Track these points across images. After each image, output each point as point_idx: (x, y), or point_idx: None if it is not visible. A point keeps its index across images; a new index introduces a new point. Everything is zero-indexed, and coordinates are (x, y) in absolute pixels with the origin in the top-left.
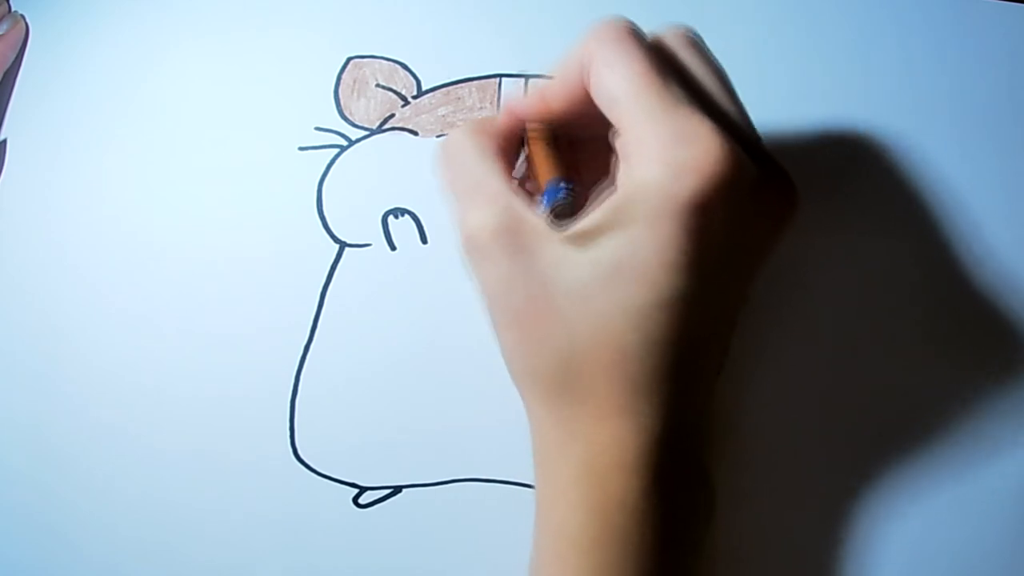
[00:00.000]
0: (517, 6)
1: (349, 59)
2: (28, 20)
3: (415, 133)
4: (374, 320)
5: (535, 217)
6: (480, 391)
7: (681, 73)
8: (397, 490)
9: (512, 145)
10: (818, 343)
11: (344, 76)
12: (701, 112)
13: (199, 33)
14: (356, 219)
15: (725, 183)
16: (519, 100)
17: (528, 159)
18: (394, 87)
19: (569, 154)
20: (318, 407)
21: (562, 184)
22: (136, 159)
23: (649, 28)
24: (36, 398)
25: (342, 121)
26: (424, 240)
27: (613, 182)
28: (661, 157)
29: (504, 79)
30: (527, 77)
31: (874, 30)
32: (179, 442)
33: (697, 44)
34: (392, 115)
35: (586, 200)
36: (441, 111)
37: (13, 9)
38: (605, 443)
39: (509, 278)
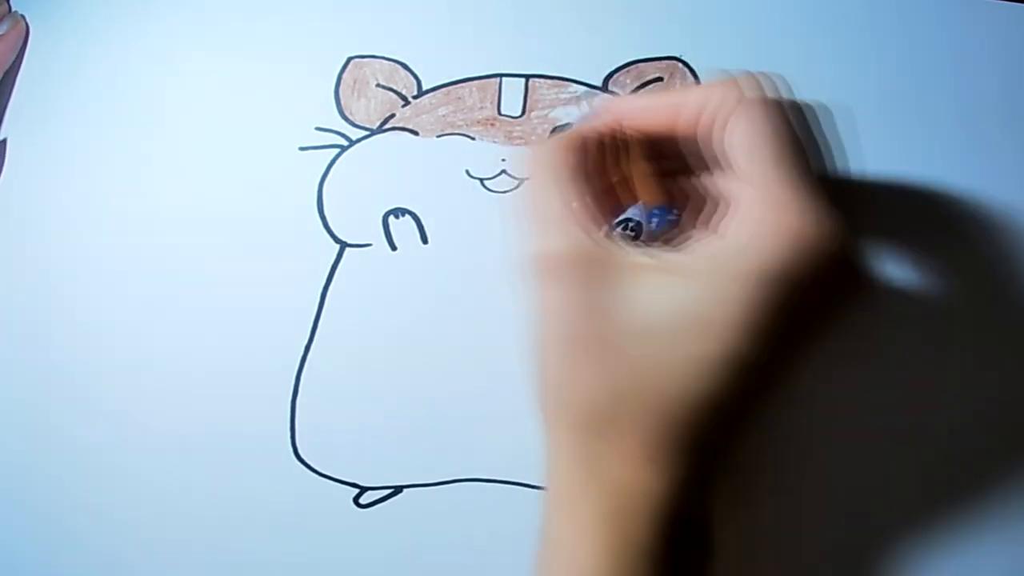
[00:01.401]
0: (517, 6)
1: (349, 59)
2: (28, 20)
3: (415, 133)
4: (374, 320)
5: (617, 251)
6: (480, 391)
7: (802, 147)
8: (397, 490)
9: (598, 154)
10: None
11: (344, 76)
12: (816, 191)
13: (199, 33)
14: (356, 219)
15: (824, 269)
16: (629, 109)
17: (625, 175)
18: (394, 87)
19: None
20: (318, 407)
21: (672, 211)
22: (136, 159)
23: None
24: (36, 399)
25: (342, 121)
26: (424, 240)
27: (713, 228)
28: (770, 222)
29: (504, 79)
30: (527, 77)
31: (874, 30)
32: (179, 442)
33: (811, 118)
34: (392, 115)
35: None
36: (441, 111)
37: (13, 9)
38: (630, 488)
39: (575, 305)
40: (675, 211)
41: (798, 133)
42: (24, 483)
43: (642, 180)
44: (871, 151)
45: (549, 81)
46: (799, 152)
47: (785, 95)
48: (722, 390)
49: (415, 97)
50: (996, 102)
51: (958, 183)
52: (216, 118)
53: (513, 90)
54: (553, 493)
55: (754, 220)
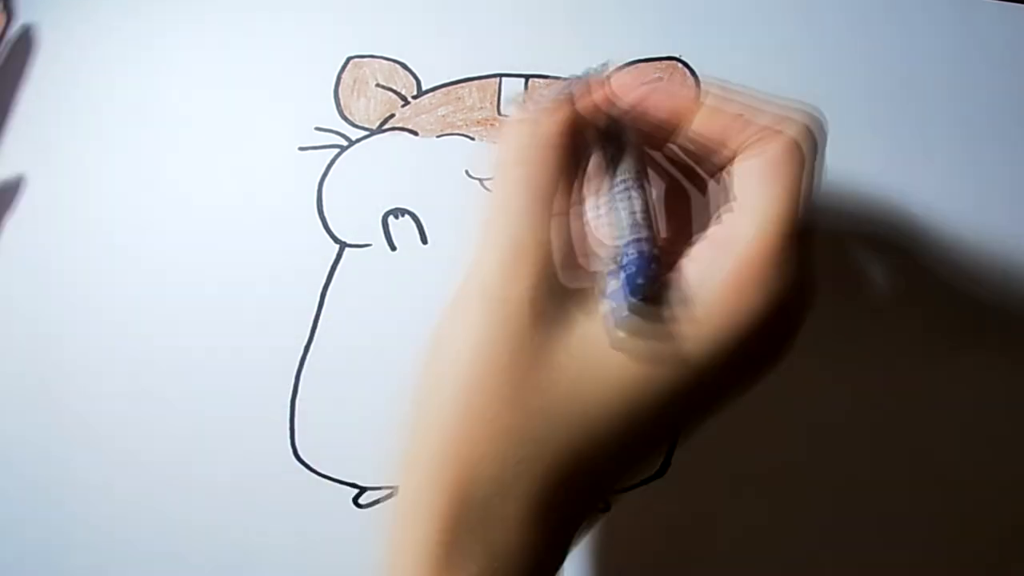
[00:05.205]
0: (517, 6)
1: (349, 59)
2: (27, 21)
3: (415, 133)
4: (374, 320)
5: (574, 305)
6: None
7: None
8: (397, 490)
9: (584, 142)
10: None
11: (344, 76)
12: (804, 255)
13: (199, 34)
14: (356, 219)
15: (784, 352)
16: (657, 99)
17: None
18: (394, 87)
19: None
20: (318, 407)
21: (651, 252)
22: (137, 160)
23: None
24: (36, 398)
25: (342, 121)
26: (424, 240)
27: (679, 264)
28: (740, 285)
29: (504, 79)
30: (527, 77)
31: (873, 30)
32: (179, 442)
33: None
34: (392, 115)
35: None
36: (441, 111)
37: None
38: (513, 554)
39: (513, 358)
40: (647, 249)
41: (810, 189)
42: (22, 483)
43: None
44: (870, 151)
45: (549, 81)
46: (799, 208)
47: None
48: (627, 481)
49: (415, 97)
50: (996, 102)
51: (957, 184)
52: (216, 119)
53: (513, 90)
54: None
55: (722, 273)
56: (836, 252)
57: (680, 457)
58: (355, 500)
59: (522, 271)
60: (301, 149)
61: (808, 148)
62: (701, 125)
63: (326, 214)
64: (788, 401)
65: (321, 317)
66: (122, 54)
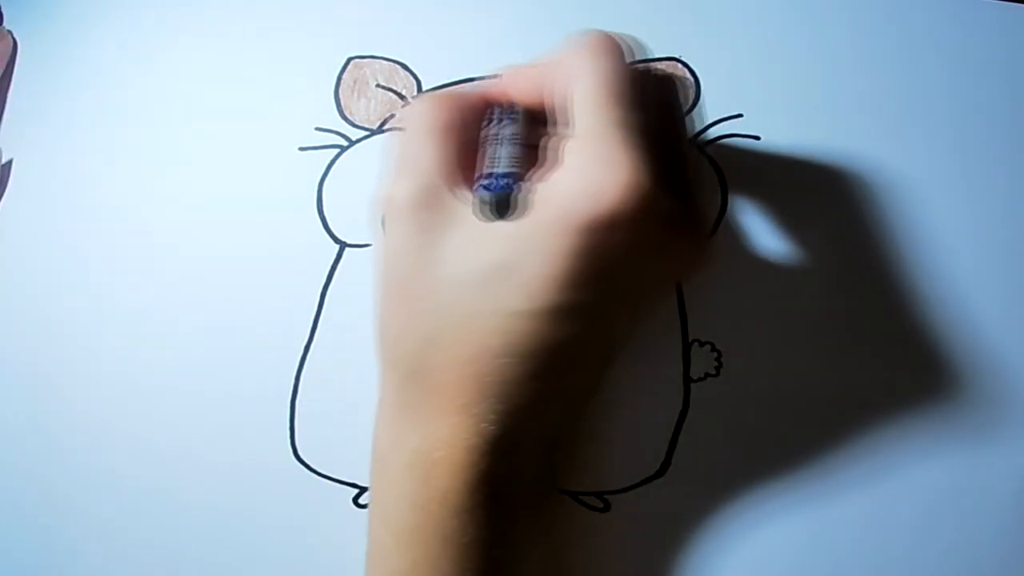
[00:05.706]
0: (517, 6)
1: (349, 59)
2: (27, 21)
3: None
4: (374, 320)
5: (456, 202)
6: None
7: (641, 102)
8: None
9: (474, 118)
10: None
11: (344, 76)
12: (636, 142)
13: (199, 33)
14: (356, 219)
15: (627, 213)
16: (498, 82)
17: (484, 141)
18: (394, 87)
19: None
20: (318, 407)
21: (510, 181)
22: (136, 160)
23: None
24: (37, 400)
25: (342, 121)
26: None
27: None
28: (579, 174)
29: None
30: None
31: (873, 30)
32: (179, 442)
33: (671, 82)
34: (392, 115)
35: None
36: None
37: (4, 24)
38: (441, 438)
39: (408, 250)
40: (513, 180)
41: (632, 89)
42: (20, 484)
43: (489, 154)
44: (868, 151)
45: None
46: (611, 103)
47: (636, 56)
48: (532, 343)
49: (415, 97)
50: (996, 103)
51: (957, 184)
52: (216, 119)
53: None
54: (375, 448)
55: (567, 170)
56: (833, 249)
57: (680, 457)
58: (355, 500)
59: (404, 175)
60: (301, 149)
61: (601, 50)
62: (524, 90)
63: (326, 214)
64: (788, 401)
65: (321, 317)
66: (121, 54)
